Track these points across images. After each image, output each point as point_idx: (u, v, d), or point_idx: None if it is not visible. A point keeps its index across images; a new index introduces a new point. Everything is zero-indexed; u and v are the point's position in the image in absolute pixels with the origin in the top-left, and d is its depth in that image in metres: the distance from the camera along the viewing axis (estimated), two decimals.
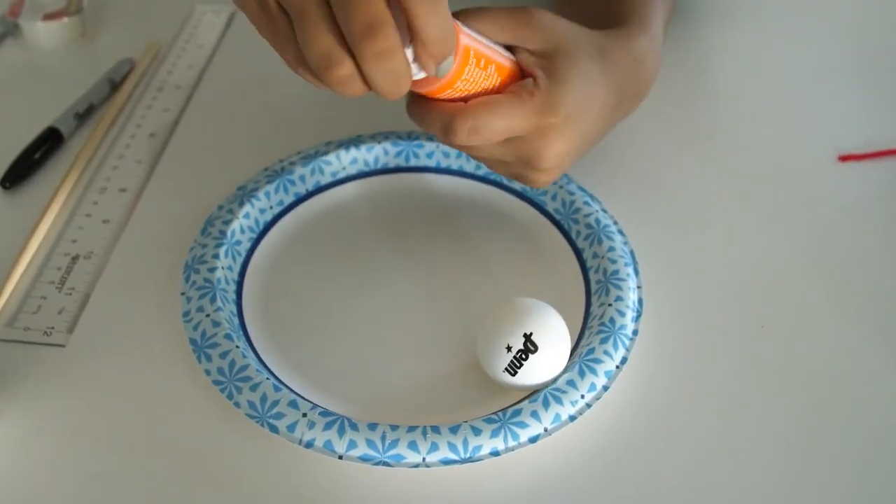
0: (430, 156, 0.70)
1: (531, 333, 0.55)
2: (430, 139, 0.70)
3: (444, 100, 0.55)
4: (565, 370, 0.56)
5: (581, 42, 0.59)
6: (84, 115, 0.77)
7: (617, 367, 0.56)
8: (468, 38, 0.53)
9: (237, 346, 0.56)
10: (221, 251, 0.62)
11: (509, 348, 0.54)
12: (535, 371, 0.55)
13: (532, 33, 0.57)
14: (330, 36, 0.47)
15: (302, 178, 0.67)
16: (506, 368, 0.55)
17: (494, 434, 0.52)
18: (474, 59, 0.53)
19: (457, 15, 0.54)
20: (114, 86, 0.80)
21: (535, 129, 0.56)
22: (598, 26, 0.63)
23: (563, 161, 0.58)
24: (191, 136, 0.76)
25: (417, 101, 0.56)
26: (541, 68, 0.56)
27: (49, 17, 0.84)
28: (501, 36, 0.57)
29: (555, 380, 0.55)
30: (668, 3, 0.72)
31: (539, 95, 0.55)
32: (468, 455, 0.52)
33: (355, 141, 0.70)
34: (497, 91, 0.56)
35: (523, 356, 0.54)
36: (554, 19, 0.59)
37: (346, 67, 0.48)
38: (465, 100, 0.55)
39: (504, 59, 0.56)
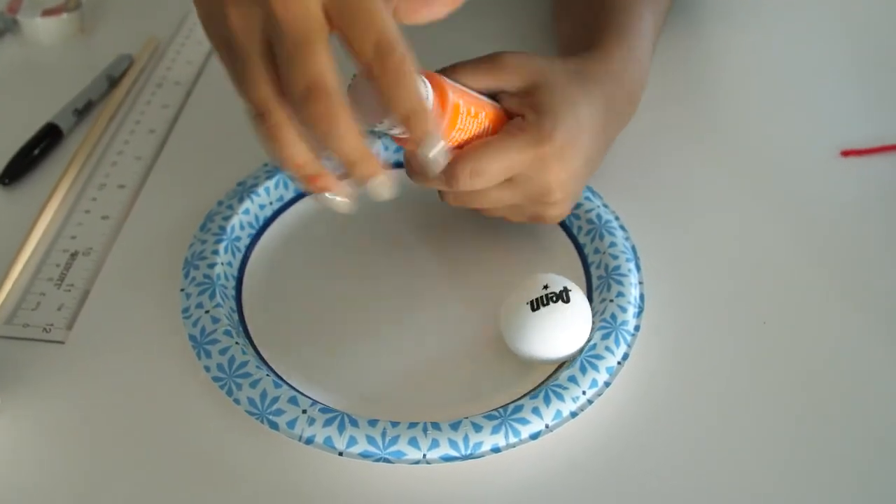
0: None
1: (570, 290, 0.56)
2: None
3: None
4: (567, 365, 0.55)
5: (557, 72, 0.60)
6: (83, 111, 0.77)
7: (618, 363, 0.56)
8: (455, 90, 0.54)
9: (237, 343, 0.56)
10: (221, 247, 0.62)
11: (546, 287, 0.55)
12: (555, 327, 0.55)
13: (508, 75, 0.58)
14: (266, 87, 0.48)
15: None
16: (533, 300, 0.55)
17: (495, 430, 0.52)
18: (465, 109, 0.55)
19: (440, 72, 0.56)
20: (112, 82, 0.80)
21: (534, 163, 0.56)
22: (585, 38, 0.65)
23: (570, 188, 0.59)
24: (190, 132, 0.76)
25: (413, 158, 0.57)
26: (526, 105, 0.57)
27: (48, 13, 0.84)
28: (480, 84, 0.58)
29: (562, 359, 0.56)
30: (658, 9, 0.72)
31: (529, 128, 0.56)
32: (469, 451, 0.51)
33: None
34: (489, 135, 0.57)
35: (554, 298, 0.55)
36: (525, 57, 0.59)
37: (274, 118, 0.48)
38: (459, 147, 0.56)
39: (490, 106, 0.57)
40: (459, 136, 0.55)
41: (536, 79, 0.59)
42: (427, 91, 0.52)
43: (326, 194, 0.52)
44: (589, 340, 0.56)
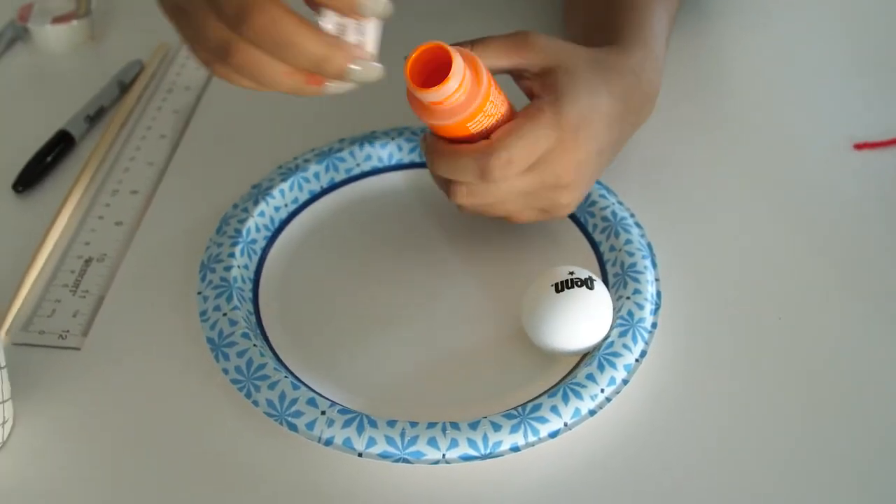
0: None
1: (594, 280, 0.56)
2: None
3: (463, 139, 0.56)
4: (585, 363, 0.56)
5: (579, 57, 0.60)
6: (94, 117, 0.77)
7: (636, 360, 0.56)
8: (487, 72, 0.55)
9: (254, 345, 0.56)
10: (237, 250, 0.62)
11: (572, 273, 0.56)
12: (579, 312, 0.55)
13: (531, 54, 0.59)
14: (219, 26, 0.48)
15: (316, 176, 0.67)
16: (557, 283, 0.55)
17: (514, 429, 0.52)
18: (493, 94, 0.55)
19: (463, 44, 0.57)
20: (123, 88, 0.80)
21: (555, 144, 0.56)
22: (597, 38, 0.64)
23: (583, 173, 0.59)
24: (202, 137, 0.76)
25: (442, 154, 0.57)
26: (546, 86, 0.58)
27: (58, 20, 0.84)
28: (503, 61, 0.59)
29: (583, 350, 0.56)
30: (671, 9, 0.72)
31: (548, 109, 0.56)
32: (488, 451, 0.51)
33: (369, 137, 0.70)
34: (506, 121, 0.57)
35: (579, 283, 0.55)
36: (549, 39, 0.60)
37: (238, 46, 0.48)
38: (483, 136, 0.56)
39: (504, 96, 0.58)
40: (485, 121, 0.56)
41: (559, 61, 0.59)
42: (461, 69, 0.52)
43: (329, 84, 0.50)
44: (607, 337, 0.56)
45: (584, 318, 0.55)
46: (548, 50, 0.59)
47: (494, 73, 0.58)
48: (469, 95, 0.53)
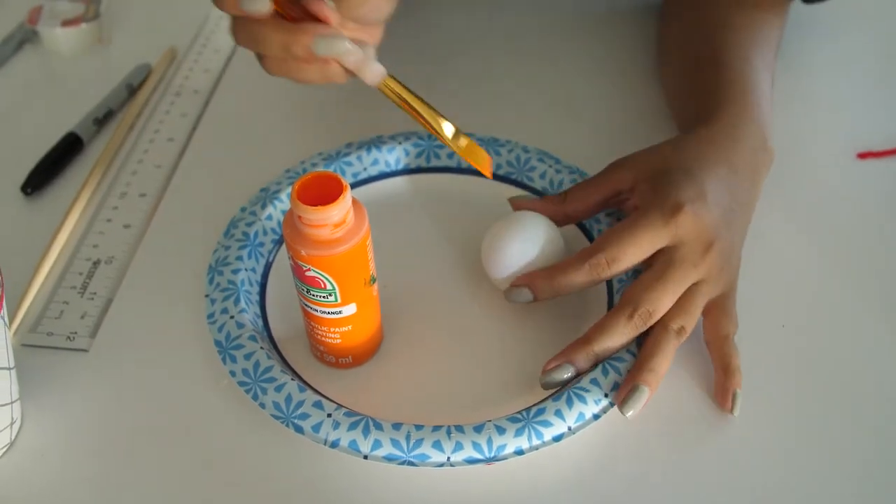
0: (451, 156, 0.70)
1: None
2: None
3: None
4: (590, 369, 0.56)
5: (661, 153, 0.62)
6: (103, 120, 0.77)
7: None
8: None
9: (261, 348, 0.56)
10: (245, 253, 0.62)
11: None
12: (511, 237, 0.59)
13: (618, 176, 0.61)
14: None
15: None
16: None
17: (519, 433, 0.52)
18: None
19: (563, 199, 0.62)
20: (132, 91, 0.81)
21: (671, 230, 0.57)
22: (699, 106, 0.67)
23: (723, 240, 0.58)
24: (209, 140, 0.76)
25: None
26: (644, 192, 0.59)
27: (67, 23, 0.85)
28: (598, 194, 0.62)
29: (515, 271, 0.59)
30: (771, 55, 0.72)
31: (655, 204, 0.57)
32: (493, 454, 0.52)
33: (376, 142, 0.70)
34: None
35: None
36: (630, 157, 0.62)
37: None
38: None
39: None
40: None
41: (645, 167, 0.60)
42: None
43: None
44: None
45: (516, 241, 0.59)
46: (631, 166, 0.61)
47: (594, 207, 0.62)
48: None
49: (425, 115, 0.56)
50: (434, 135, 0.57)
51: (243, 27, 0.54)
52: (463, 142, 0.58)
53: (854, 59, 0.84)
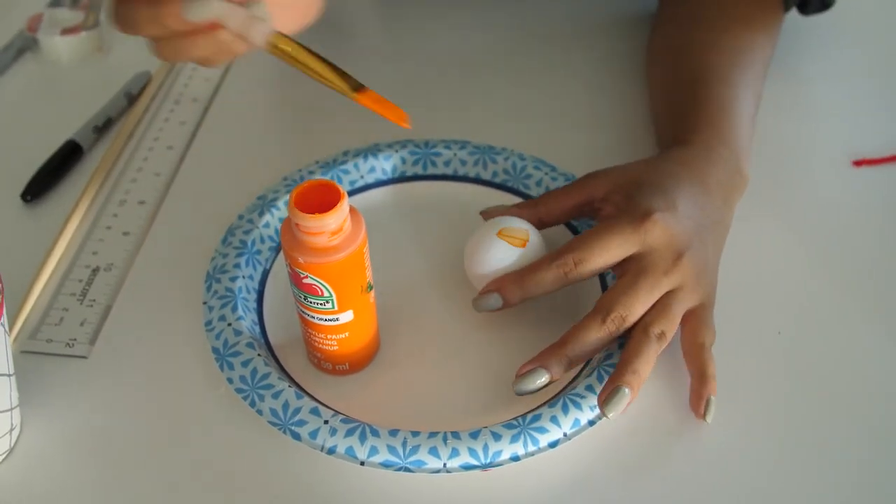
0: (447, 164, 0.70)
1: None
2: (447, 147, 0.70)
3: None
4: (585, 374, 0.56)
5: (638, 167, 0.63)
6: (102, 128, 0.78)
7: None
8: None
9: (259, 355, 0.56)
10: (242, 260, 0.62)
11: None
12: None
13: (593, 184, 0.62)
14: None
15: None
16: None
17: (514, 439, 0.52)
18: None
19: (537, 203, 0.63)
20: (131, 99, 0.81)
21: (639, 237, 0.57)
22: (679, 123, 0.68)
23: (693, 253, 0.58)
24: (208, 148, 0.76)
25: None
26: (616, 200, 0.60)
27: (67, 31, 0.85)
28: (573, 199, 0.62)
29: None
30: (757, 78, 0.73)
31: (626, 209, 0.58)
32: (488, 460, 0.52)
33: (373, 149, 0.70)
34: None
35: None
36: (607, 169, 0.63)
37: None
38: None
39: None
40: None
41: (619, 179, 0.61)
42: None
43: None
44: (607, 350, 0.57)
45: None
46: (605, 177, 0.62)
47: (566, 213, 0.63)
48: None
49: (322, 73, 0.54)
50: (337, 90, 0.54)
51: (124, 12, 0.53)
52: (370, 96, 0.54)
53: (850, 68, 0.84)
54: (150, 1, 0.51)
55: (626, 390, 0.53)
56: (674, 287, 0.57)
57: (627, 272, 0.57)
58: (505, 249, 0.59)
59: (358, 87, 0.54)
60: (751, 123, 0.68)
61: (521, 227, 0.60)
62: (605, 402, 0.53)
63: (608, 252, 0.57)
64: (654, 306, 0.57)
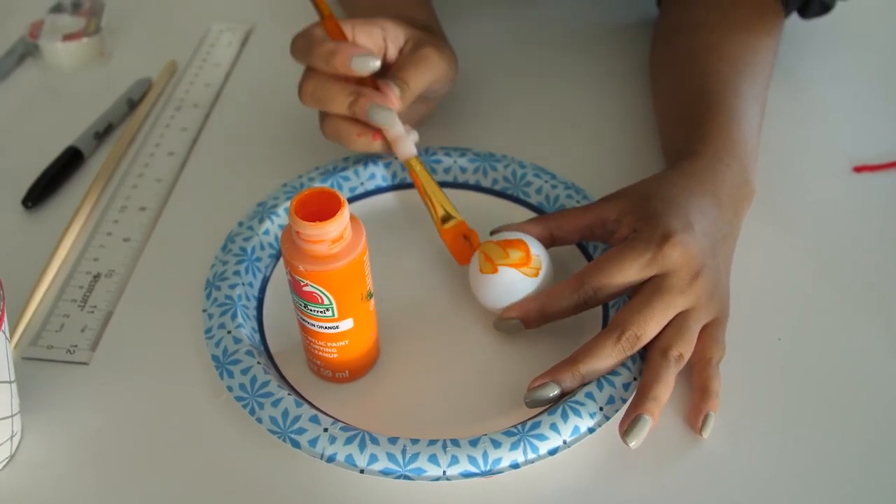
0: (447, 171, 0.70)
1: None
2: (448, 154, 0.71)
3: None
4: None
5: (648, 186, 0.62)
6: (103, 134, 0.78)
7: (634, 379, 0.56)
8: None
9: (258, 363, 0.56)
10: (242, 268, 0.62)
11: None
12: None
13: (606, 206, 0.62)
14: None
15: None
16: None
17: (514, 447, 0.53)
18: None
19: (548, 218, 0.63)
20: (132, 105, 0.81)
21: (659, 261, 0.57)
22: (685, 136, 0.68)
23: (707, 270, 0.58)
24: (209, 154, 0.77)
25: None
26: (630, 222, 0.60)
27: (68, 37, 0.85)
28: (583, 220, 0.62)
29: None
30: (761, 87, 0.72)
31: (641, 233, 0.58)
32: (488, 468, 0.52)
33: (373, 157, 0.70)
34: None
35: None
36: (618, 192, 0.62)
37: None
38: None
39: None
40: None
41: (631, 198, 0.61)
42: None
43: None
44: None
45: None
46: (617, 198, 0.62)
47: (578, 231, 0.62)
48: None
49: (432, 197, 0.65)
50: (431, 217, 0.65)
51: (317, 84, 0.64)
52: (450, 233, 0.64)
53: (851, 73, 0.84)
54: (350, 88, 0.64)
55: (648, 418, 0.53)
56: (688, 307, 0.57)
57: (643, 291, 0.57)
58: (520, 282, 0.59)
59: (447, 219, 0.65)
60: (757, 133, 0.68)
61: (517, 237, 0.61)
62: (627, 431, 0.53)
63: (627, 278, 0.57)
64: (669, 326, 0.56)
